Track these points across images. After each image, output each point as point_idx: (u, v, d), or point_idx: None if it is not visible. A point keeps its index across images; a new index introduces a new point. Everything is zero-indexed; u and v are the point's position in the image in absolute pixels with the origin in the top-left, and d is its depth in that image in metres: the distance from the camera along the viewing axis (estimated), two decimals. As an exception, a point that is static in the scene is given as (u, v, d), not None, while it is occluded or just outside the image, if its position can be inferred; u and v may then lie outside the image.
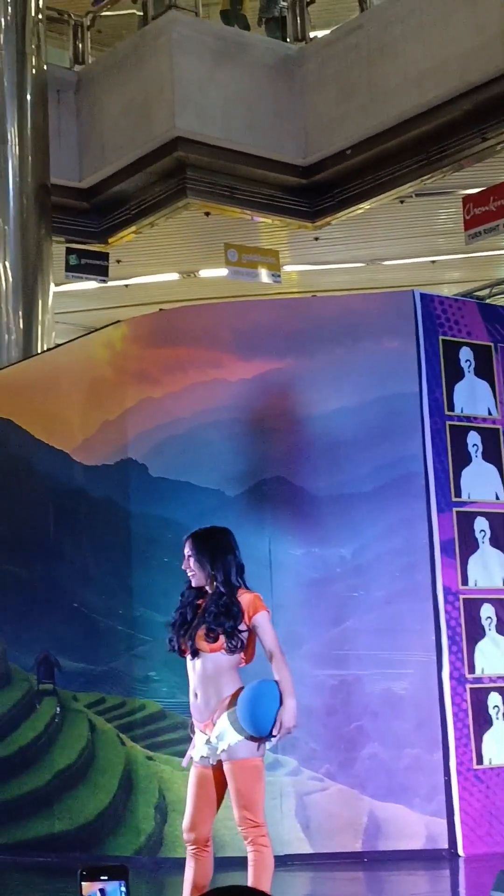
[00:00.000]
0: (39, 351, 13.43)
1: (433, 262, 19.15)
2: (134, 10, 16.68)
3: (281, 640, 9.31)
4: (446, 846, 9.11)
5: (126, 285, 19.96)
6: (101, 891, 2.18)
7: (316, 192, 15.75)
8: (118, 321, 10.64)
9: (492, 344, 10.03)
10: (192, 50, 14.71)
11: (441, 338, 9.77)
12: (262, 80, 15.19)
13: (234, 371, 9.79)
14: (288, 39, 16.00)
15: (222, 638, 6.14)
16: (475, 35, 13.50)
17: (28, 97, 14.50)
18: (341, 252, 18.85)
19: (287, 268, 17.83)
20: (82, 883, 2.21)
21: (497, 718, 9.46)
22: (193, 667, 6.27)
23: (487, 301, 10.69)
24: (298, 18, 16.13)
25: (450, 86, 13.84)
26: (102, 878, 2.20)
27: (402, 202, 16.67)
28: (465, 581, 9.51)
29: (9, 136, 14.20)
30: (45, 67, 14.81)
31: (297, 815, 9.30)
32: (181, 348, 9.97)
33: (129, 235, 16.40)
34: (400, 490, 9.52)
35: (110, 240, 16.38)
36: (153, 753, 9.59)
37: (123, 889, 2.19)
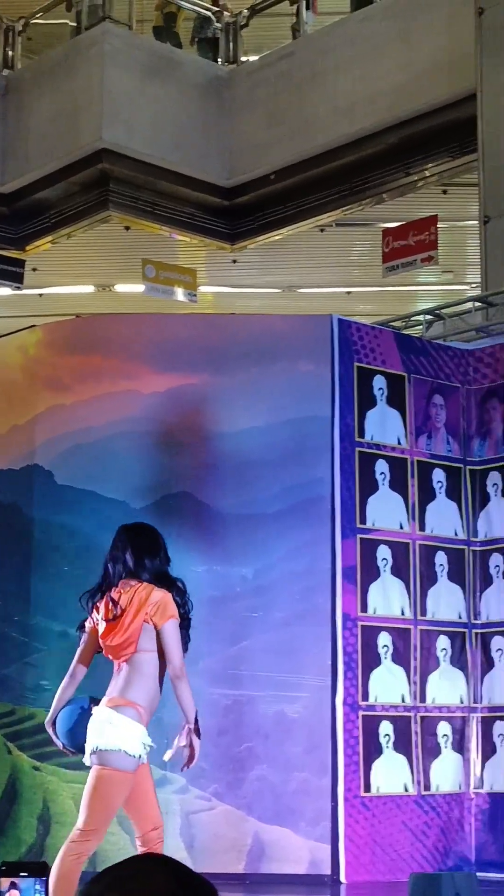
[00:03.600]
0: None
1: (348, 292, 19.28)
2: (66, 20, 16.61)
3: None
4: (329, 872, 9.09)
5: (40, 294, 19.82)
6: (14, 884, 2.13)
7: (237, 214, 15.78)
8: (33, 325, 10.56)
9: (405, 374, 10.09)
10: (123, 63, 14.69)
11: (356, 364, 9.80)
12: (192, 98, 15.21)
13: (147, 383, 9.75)
14: (219, 61, 16.03)
15: None
16: (405, 70, 13.64)
17: (-46, 98, 14.39)
18: (258, 276, 18.91)
19: (203, 288, 17.82)
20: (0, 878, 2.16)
21: (387, 747, 9.47)
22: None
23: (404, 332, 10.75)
24: (231, 41, 16.17)
25: (377, 118, 13.97)
26: (22, 874, 2.15)
27: (321, 231, 16.77)
28: (364, 608, 9.52)
29: None
30: (-27, 69, 14.70)
31: (182, 833, 9.23)
32: (95, 357, 9.91)
33: (46, 244, 16.29)
34: (306, 513, 9.52)
35: (28, 247, 16.26)
36: (40, 763, 9.48)
37: (39, 887, 2.15)
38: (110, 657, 6.13)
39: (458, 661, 9.99)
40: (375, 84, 13.90)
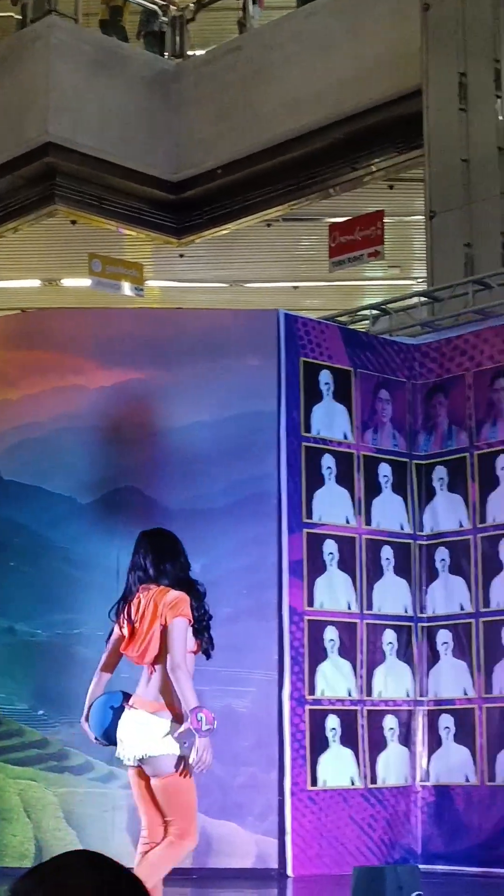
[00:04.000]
0: None
1: (295, 287, 19.29)
2: (12, 13, 16.52)
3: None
4: (276, 866, 9.11)
5: (-14, 289, 19.74)
6: None
7: (184, 208, 15.76)
8: (-22, 320, 10.52)
9: (352, 369, 10.12)
10: (69, 56, 14.64)
11: (302, 359, 9.83)
12: (138, 93, 15.18)
13: (94, 378, 9.73)
14: (166, 55, 16.00)
15: None
16: (352, 65, 13.67)
17: None
18: (205, 271, 18.89)
19: (150, 283, 17.79)
20: None
21: (334, 741, 9.50)
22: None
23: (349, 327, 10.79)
24: (177, 35, 16.14)
25: (324, 113, 13.99)
26: None
27: (268, 225, 16.78)
28: (310, 602, 9.55)
29: None
30: None
31: (129, 828, 9.21)
32: (42, 352, 9.88)
33: (-7, 238, 16.22)
34: (252, 508, 9.54)
35: (-26, 241, 16.19)
36: (-14, 760, 9.44)
37: None
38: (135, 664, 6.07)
39: (404, 654, 10.03)
40: (322, 79, 13.92)
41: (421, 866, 9.53)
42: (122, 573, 9.26)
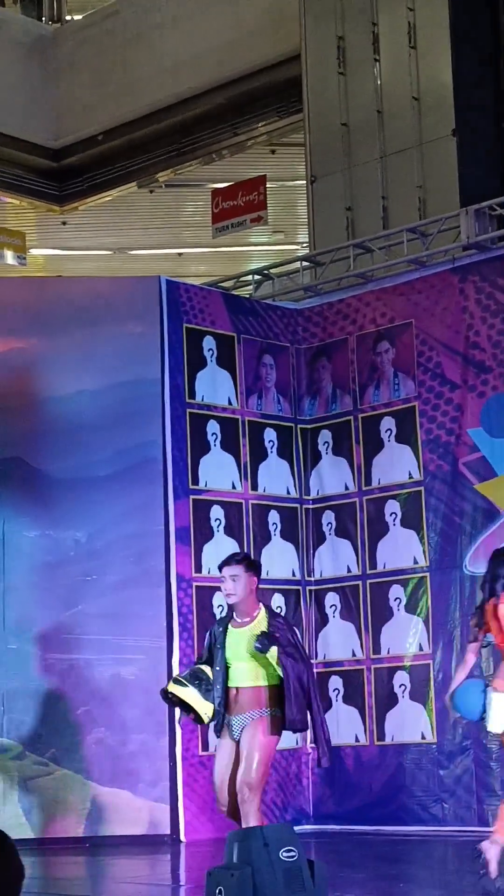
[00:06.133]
0: None
1: (180, 254, 19.20)
2: None
3: (13, 622, 9.26)
4: (168, 832, 9.15)
5: None
6: None
7: (65, 175, 15.62)
8: None
9: (235, 334, 10.13)
10: None
11: (185, 325, 9.81)
12: (16, 58, 14.98)
13: (-24, 348, 9.64)
14: (44, 19, 15.82)
15: None
16: (232, 29, 13.61)
17: None
18: (88, 238, 18.72)
19: (33, 251, 17.62)
20: None
21: (224, 705, 9.52)
22: None
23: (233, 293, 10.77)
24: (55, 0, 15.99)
25: (204, 78, 13.92)
26: None
27: (151, 192, 16.67)
28: (198, 569, 9.56)
29: None
30: None
31: (20, 800, 9.19)
32: None
33: None
34: (137, 475, 9.52)
35: None
36: None
37: None
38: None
39: (293, 618, 10.09)
40: (202, 43, 13.84)
41: (313, 827, 9.69)
42: (6, 545, 9.29)
